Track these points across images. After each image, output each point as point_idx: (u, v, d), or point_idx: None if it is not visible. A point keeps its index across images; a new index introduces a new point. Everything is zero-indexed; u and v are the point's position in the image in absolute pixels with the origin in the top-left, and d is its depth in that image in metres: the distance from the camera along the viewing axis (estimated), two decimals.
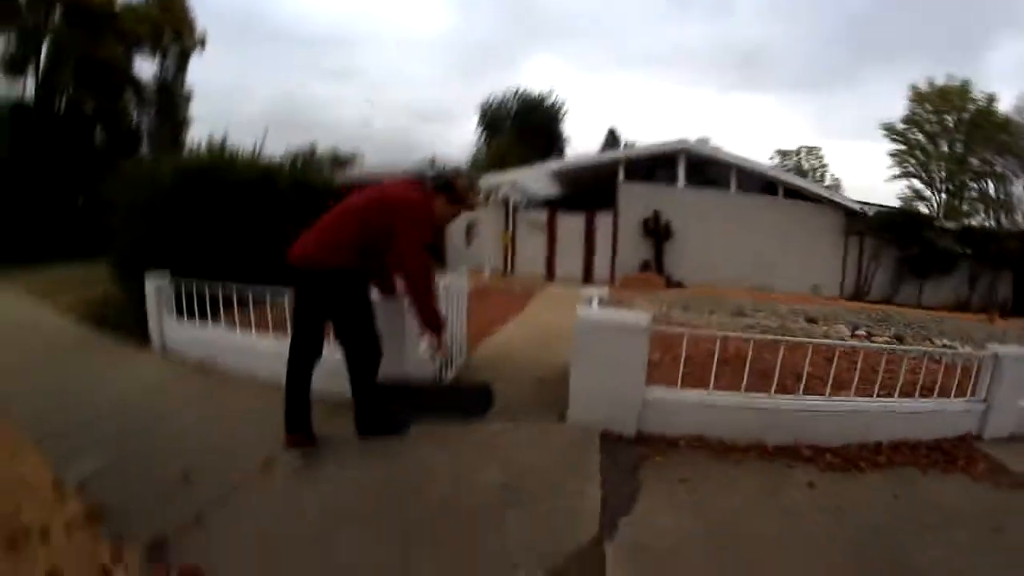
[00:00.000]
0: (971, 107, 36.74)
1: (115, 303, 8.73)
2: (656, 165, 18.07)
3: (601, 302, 4.89)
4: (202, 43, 26.81)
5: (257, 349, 5.36)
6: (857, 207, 17.97)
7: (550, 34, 77.84)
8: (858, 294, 17.70)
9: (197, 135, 23.64)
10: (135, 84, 24.65)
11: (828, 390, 4.16)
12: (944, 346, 9.19)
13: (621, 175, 17.42)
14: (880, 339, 9.39)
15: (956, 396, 4.55)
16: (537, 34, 78.61)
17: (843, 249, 17.95)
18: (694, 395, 4.07)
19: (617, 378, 3.99)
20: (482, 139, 39.66)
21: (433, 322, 3.74)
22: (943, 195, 38.25)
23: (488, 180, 18.15)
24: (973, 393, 4.60)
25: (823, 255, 17.78)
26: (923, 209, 35.91)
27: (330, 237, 3.59)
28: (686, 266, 16.75)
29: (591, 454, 3.69)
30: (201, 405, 4.80)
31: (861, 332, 9.84)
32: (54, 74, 21.65)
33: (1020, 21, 55.27)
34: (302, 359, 3.75)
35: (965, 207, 37.25)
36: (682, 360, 4.18)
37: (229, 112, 51.44)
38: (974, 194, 38.57)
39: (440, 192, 3.79)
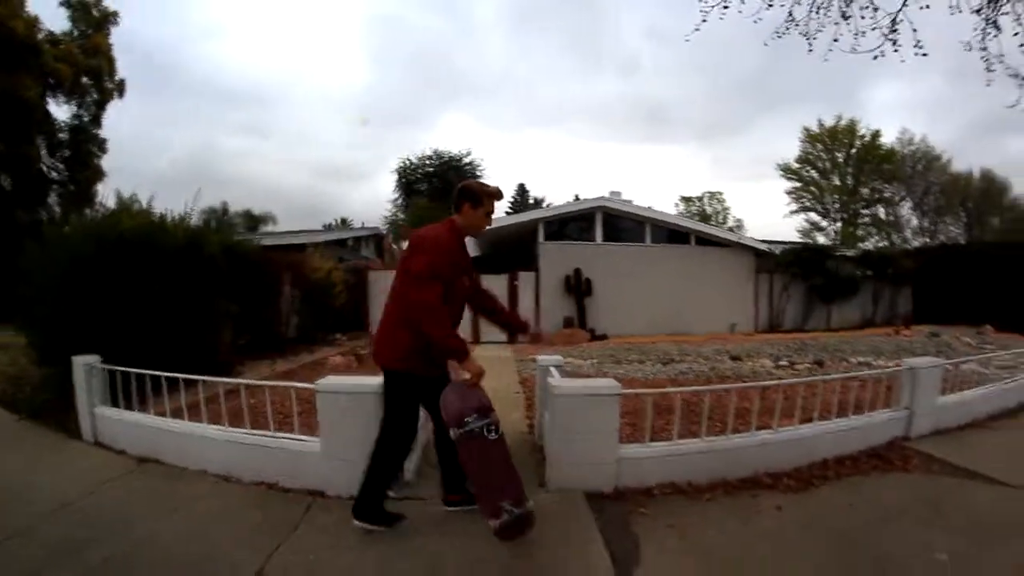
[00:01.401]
0: (858, 143, 39.80)
1: (31, 383, 7.74)
2: (573, 221, 18.52)
3: (560, 370, 5.21)
4: (120, 90, 25.70)
5: (207, 438, 4.91)
6: (764, 247, 19.07)
7: (462, 93, 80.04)
8: (772, 326, 18.63)
9: (110, 187, 22.54)
10: (48, 128, 23.00)
11: (775, 422, 4.60)
12: (859, 364, 10.04)
13: (541, 235, 17.66)
14: (802, 365, 10.13)
15: (881, 407, 5.37)
16: (449, 93, 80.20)
17: (754, 287, 18.84)
18: (662, 447, 4.37)
19: (593, 441, 4.21)
20: (400, 200, 39.42)
21: (451, 350, 3.37)
22: (839, 223, 40.65)
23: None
24: (897, 403, 5.45)
25: (736, 294, 18.58)
26: (821, 239, 38.44)
27: (381, 331, 3.62)
28: (608, 319, 17.05)
29: (583, 516, 3.82)
30: (156, 507, 4.20)
31: (784, 362, 10.53)
32: None
33: (887, 68, 60.23)
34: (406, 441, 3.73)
35: (860, 232, 39.75)
36: (649, 418, 4.42)
37: (142, 165, 50.87)
38: (867, 219, 41.29)
39: (462, 204, 3.57)
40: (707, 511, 3.89)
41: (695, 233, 18.75)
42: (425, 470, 4.76)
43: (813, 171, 42.64)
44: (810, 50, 7.10)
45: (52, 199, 23.19)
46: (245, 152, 75.23)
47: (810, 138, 42.19)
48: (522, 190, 48.77)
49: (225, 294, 8.82)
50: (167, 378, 5.26)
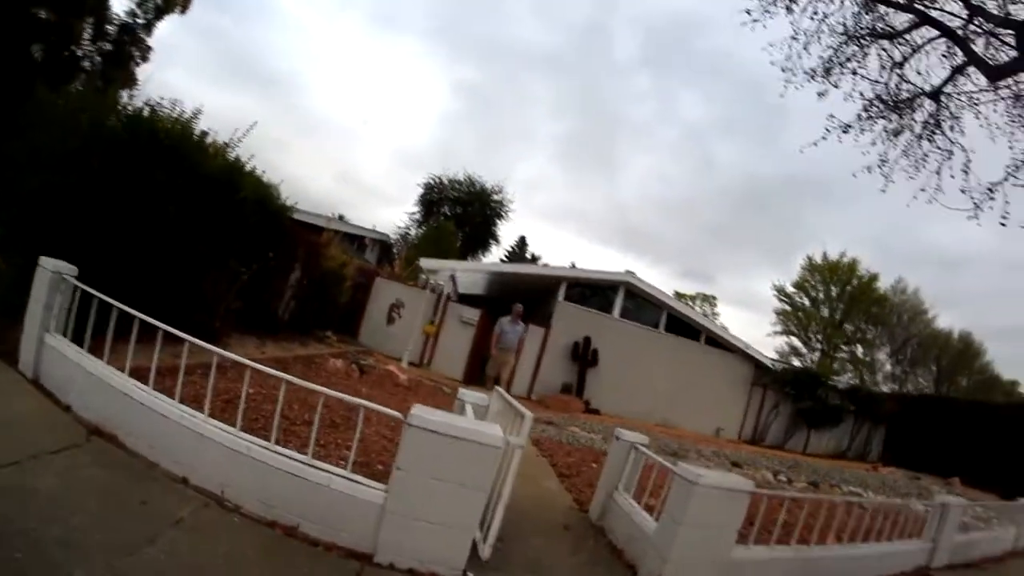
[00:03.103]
0: (855, 281, 41.13)
1: None
2: (593, 289, 18.58)
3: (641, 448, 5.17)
4: (184, 5, 22.42)
5: (202, 436, 3.72)
6: (768, 361, 19.62)
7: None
8: (755, 439, 18.96)
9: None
10: (101, 11, 20.04)
11: (831, 539, 4.99)
12: (851, 492, 10.53)
13: (561, 294, 17.95)
14: (799, 483, 10.55)
15: (903, 537, 5.89)
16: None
17: (747, 397, 19.22)
18: (762, 551, 4.46)
19: (719, 540, 4.10)
20: (417, 214, 37.83)
21: None
22: (817, 354, 41.70)
23: (425, 264, 17.82)
24: (924, 534, 6.09)
25: (729, 400, 18.88)
26: (797, 364, 39.34)
27: None
28: (605, 394, 17.03)
29: None
30: (112, 525, 3.00)
31: (782, 478, 10.91)
32: None
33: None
34: None
35: (836, 366, 40.75)
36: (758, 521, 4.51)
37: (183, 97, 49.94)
38: (844, 355, 42.45)
39: None
40: None
41: (707, 332, 19.12)
42: (512, 548, 4.02)
43: (806, 298, 43.98)
44: (883, 190, 7.62)
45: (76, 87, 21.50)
46: (278, 141, 74.20)
47: (811, 267, 43.66)
48: (522, 242, 49.09)
49: (242, 249, 7.80)
50: (161, 330, 4.02)
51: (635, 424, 14.64)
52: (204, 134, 7.13)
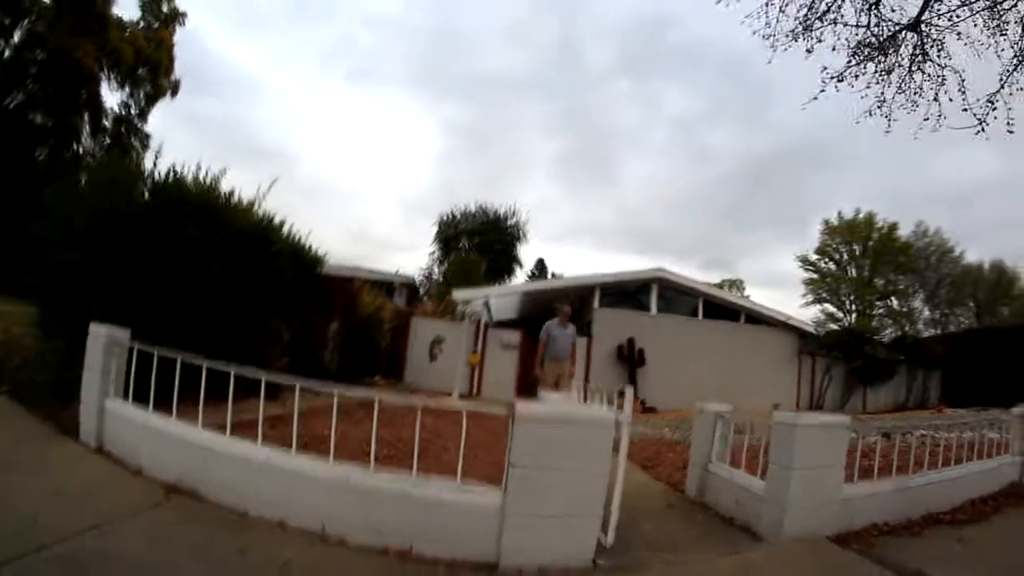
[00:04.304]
0: (875, 235, 40.78)
1: (25, 355, 6.17)
2: (626, 292, 18.64)
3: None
4: (174, 90, 24.78)
5: (296, 474, 3.68)
6: (811, 329, 19.62)
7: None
8: (813, 407, 18.76)
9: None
10: (95, 108, 21.30)
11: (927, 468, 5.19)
12: (922, 435, 10.58)
13: (596, 301, 18.01)
14: (871, 438, 10.63)
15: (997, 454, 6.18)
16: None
17: (798, 367, 19.09)
18: (867, 487, 4.66)
19: (828, 479, 4.26)
20: (436, 253, 37.55)
21: None
22: (853, 315, 41.30)
23: (458, 296, 18.00)
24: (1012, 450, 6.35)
25: (781, 374, 18.73)
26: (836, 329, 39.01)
27: None
28: (657, 390, 16.86)
29: (864, 567, 3.76)
30: (208, 572, 2.92)
31: (852, 435, 11.01)
32: (15, 65, 18.12)
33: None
34: None
35: (874, 323, 40.33)
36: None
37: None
38: (881, 311, 42.00)
39: None
40: (923, 548, 4.22)
41: (745, 311, 19.16)
42: (627, 533, 4.02)
43: (831, 263, 43.79)
44: (888, 131, 7.77)
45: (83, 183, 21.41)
46: (284, 207, 74.60)
47: (829, 230, 43.40)
48: (541, 264, 49.01)
49: (281, 305, 7.69)
50: (236, 378, 3.94)
51: (693, 416, 14.48)
52: (230, 193, 7.13)
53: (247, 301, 6.61)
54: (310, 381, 3.94)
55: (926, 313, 42.76)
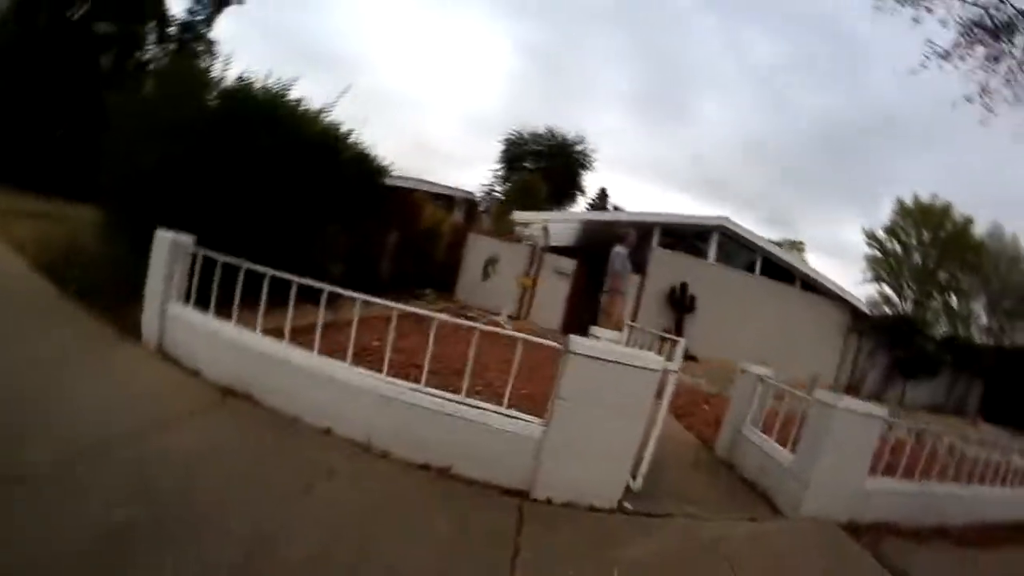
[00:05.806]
0: (949, 227, 39.27)
1: (88, 258, 6.18)
2: (686, 236, 18.39)
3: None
4: None
5: (347, 384, 3.80)
6: (865, 307, 19.18)
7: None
8: (849, 389, 18.28)
9: None
10: (162, 14, 20.90)
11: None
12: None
13: (656, 239, 17.72)
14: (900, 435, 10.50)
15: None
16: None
17: (843, 344, 18.75)
18: (890, 484, 4.66)
19: (854, 468, 4.27)
20: (501, 171, 38.03)
21: None
22: (909, 303, 40.31)
23: (518, 217, 17.96)
24: None
25: (824, 347, 18.35)
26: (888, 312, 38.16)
27: None
28: (701, 339, 16.51)
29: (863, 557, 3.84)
30: (273, 476, 3.07)
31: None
32: None
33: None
34: None
35: (929, 316, 39.37)
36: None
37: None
38: (937, 305, 40.89)
39: None
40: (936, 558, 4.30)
41: (801, 276, 18.69)
42: (654, 481, 4.13)
43: (897, 244, 42.40)
44: (983, 122, 7.29)
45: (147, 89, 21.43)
46: (352, 117, 74.79)
47: (903, 211, 41.89)
48: (603, 194, 48.37)
49: (343, 213, 7.83)
50: (295, 286, 4.09)
51: (733, 369, 14.18)
52: (299, 101, 7.17)
53: (310, 209, 6.73)
54: (365, 295, 4.04)
55: (983, 319, 41.43)
